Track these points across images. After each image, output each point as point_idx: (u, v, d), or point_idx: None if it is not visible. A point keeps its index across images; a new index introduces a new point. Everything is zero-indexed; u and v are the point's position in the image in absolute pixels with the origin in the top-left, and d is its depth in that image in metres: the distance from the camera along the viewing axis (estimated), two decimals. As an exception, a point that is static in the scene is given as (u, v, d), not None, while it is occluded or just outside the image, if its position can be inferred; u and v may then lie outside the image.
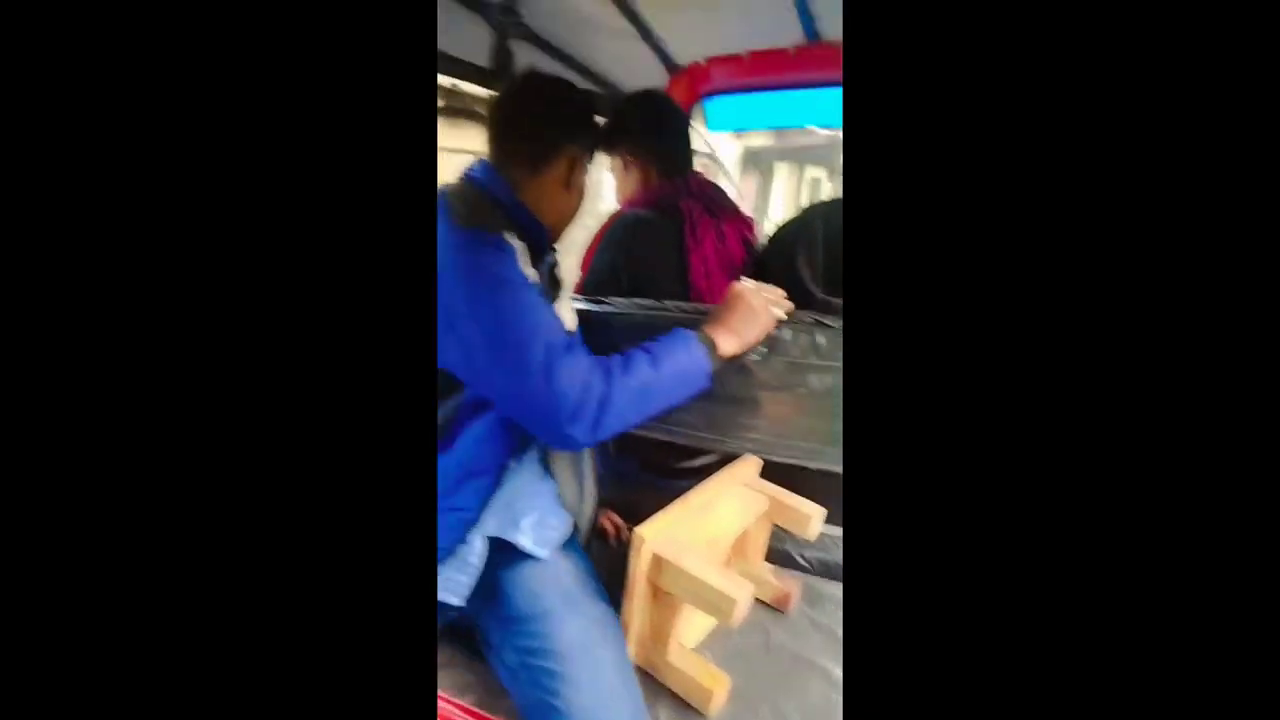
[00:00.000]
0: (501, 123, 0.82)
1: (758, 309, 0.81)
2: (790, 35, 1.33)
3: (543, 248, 0.82)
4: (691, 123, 1.40)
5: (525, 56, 1.41)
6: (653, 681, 0.76)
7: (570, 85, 0.85)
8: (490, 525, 0.76)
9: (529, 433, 0.77)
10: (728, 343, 0.79)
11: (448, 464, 0.74)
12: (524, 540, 0.76)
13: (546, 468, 0.83)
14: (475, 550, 0.74)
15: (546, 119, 0.81)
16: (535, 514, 0.79)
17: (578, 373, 0.68)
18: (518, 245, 0.73)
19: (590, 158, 0.86)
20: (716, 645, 0.83)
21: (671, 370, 0.74)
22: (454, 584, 0.73)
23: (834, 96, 1.48)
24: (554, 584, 0.75)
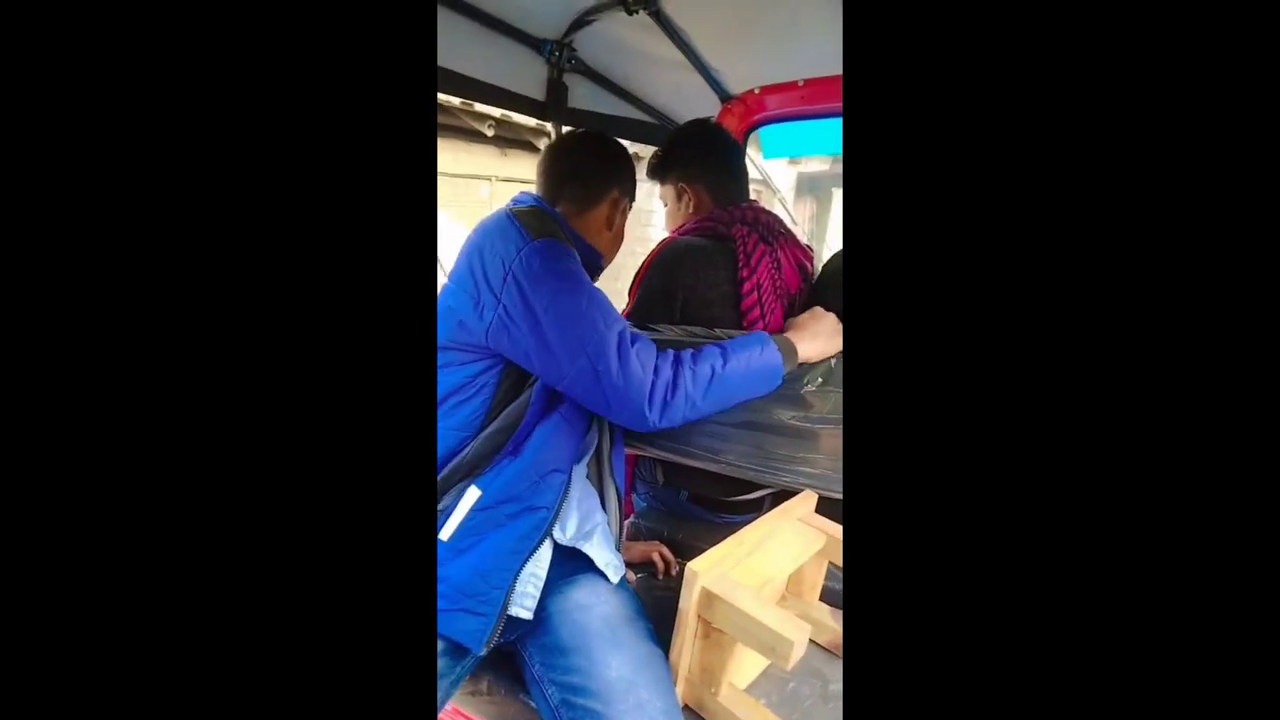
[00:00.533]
0: (553, 166, 0.93)
1: (836, 325, 0.88)
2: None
3: (594, 269, 0.90)
4: (746, 151, 1.40)
5: (579, 90, 1.45)
6: (703, 725, 0.73)
7: (615, 140, 1.00)
8: (560, 533, 0.80)
9: (582, 442, 0.84)
10: (807, 346, 0.85)
11: (524, 465, 0.77)
12: (597, 555, 0.81)
13: (594, 480, 0.90)
14: (544, 560, 0.77)
15: (594, 165, 0.94)
16: (599, 532, 0.84)
17: (649, 358, 0.75)
18: (578, 256, 0.80)
19: (630, 203, 0.98)
20: (771, 689, 0.79)
21: (744, 363, 0.80)
22: (524, 596, 0.75)
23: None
24: (600, 618, 0.73)
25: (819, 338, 0.85)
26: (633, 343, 0.75)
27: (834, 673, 0.82)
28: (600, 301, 0.76)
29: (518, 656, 0.76)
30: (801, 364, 0.84)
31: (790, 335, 0.84)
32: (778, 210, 1.20)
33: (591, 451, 0.89)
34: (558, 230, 0.81)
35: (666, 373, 0.75)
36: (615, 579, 0.81)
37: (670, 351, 0.78)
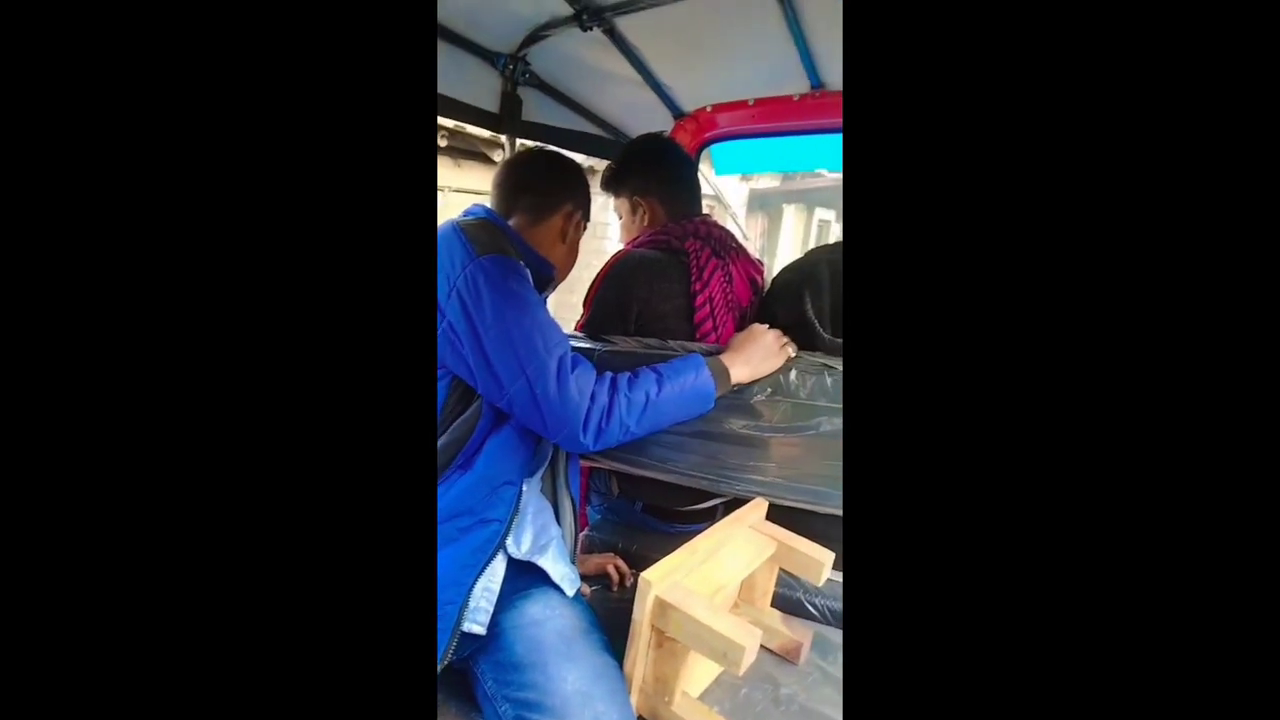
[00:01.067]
0: (508, 180, 0.94)
1: (771, 345, 0.88)
2: (795, 84, 1.36)
3: (546, 281, 0.90)
4: (698, 166, 1.43)
5: (533, 102, 1.46)
6: (657, 735, 0.73)
7: (568, 156, 1.02)
8: (514, 547, 0.80)
9: (534, 455, 0.84)
10: (739, 370, 0.85)
11: (475, 478, 0.77)
12: (551, 569, 0.81)
13: (549, 493, 0.90)
14: (497, 573, 0.77)
15: (548, 179, 0.95)
16: (554, 545, 0.84)
17: (586, 384, 0.76)
18: (528, 273, 0.81)
19: (584, 219, 0.99)
20: (724, 696, 0.80)
21: (677, 388, 0.81)
22: (477, 612, 0.74)
23: (839, 143, 1.51)
24: (555, 632, 0.73)
25: (752, 360, 0.86)
26: (573, 367, 0.76)
27: (785, 677, 0.84)
28: (543, 323, 0.76)
29: (470, 674, 0.75)
30: (735, 386, 0.85)
31: (725, 357, 0.86)
32: (729, 225, 1.23)
33: (545, 464, 0.89)
34: (507, 245, 0.81)
35: (602, 399, 0.77)
36: (571, 592, 0.81)
37: (608, 376, 0.79)
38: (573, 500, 0.92)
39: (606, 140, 1.65)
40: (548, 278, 0.90)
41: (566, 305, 1.00)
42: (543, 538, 0.83)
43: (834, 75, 1.32)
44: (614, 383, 0.79)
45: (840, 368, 0.86)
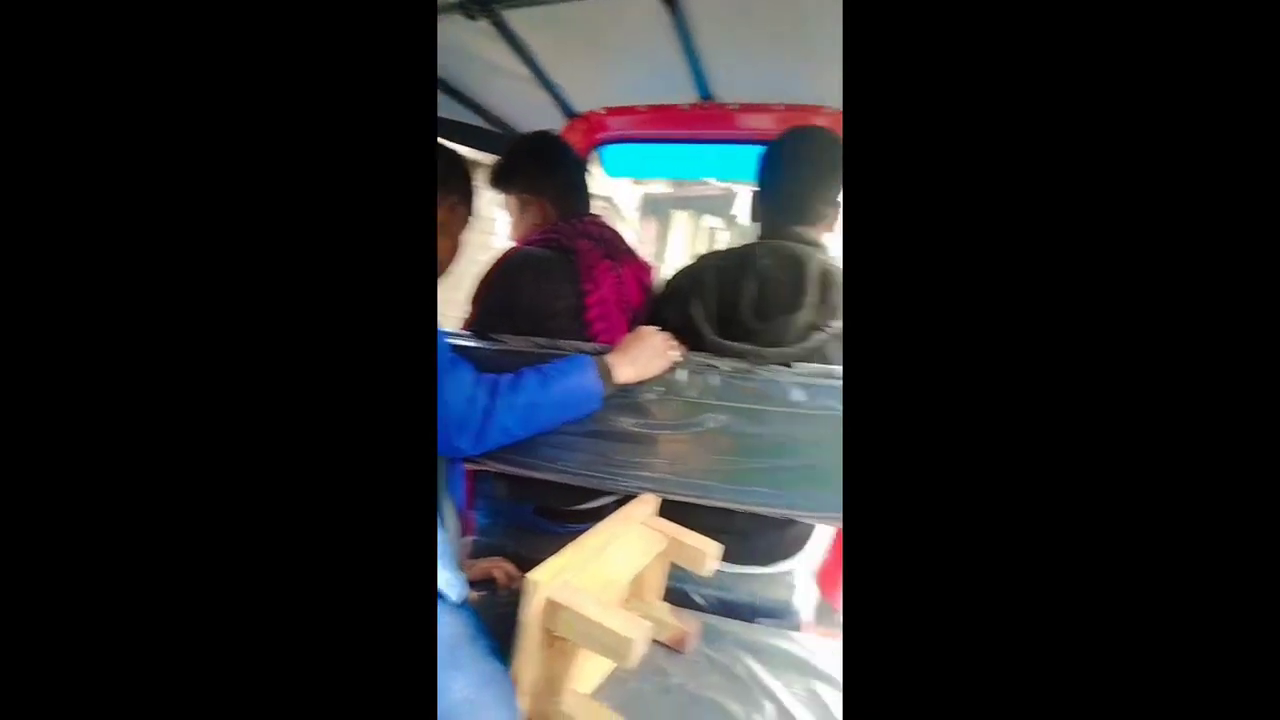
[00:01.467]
0: None
1: (658, 346, 0.88)
2: (684, 93, 1.40)
3: None
4: (588, 167, 1.44)
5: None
6: (547, 737, 0.72)
7: (449, 147, 0.97)
8: None
9: None
10: (624, 371, 0.85)
11: None
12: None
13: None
14: None
15: None
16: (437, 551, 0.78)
17: (463, 386, 0.74)
18: None
19: (467, 211, 0.95)
20: (614, 691, 0.81)
21: (561, 389, 0.80)
22: None
23: (727, 153, 1.57)
24: (440, 641, 0.70)
25: (638, 361, 0.87)
26: (450, 368, 0.74)
27: (673, 667, 0.86)
28: None
29: None
30: (621, 386, 0.86)
31: (611, 358, 0.85)
32: (621, 228, 1.25)
33: None
34: None
35: (481, 401, 0.75)
36: (456, 599, 0.78)
37: (488, 378, 0.77)
38: (455, 505, 0.89)
39: (493, 134, 1.61)
40: None
41: (452, 303, 0.96)
42: (445, 568, 0.79)
43: (723, 87, 1.37)
44: (495, 385, 0.77)
45: (724, 368, 0.89)
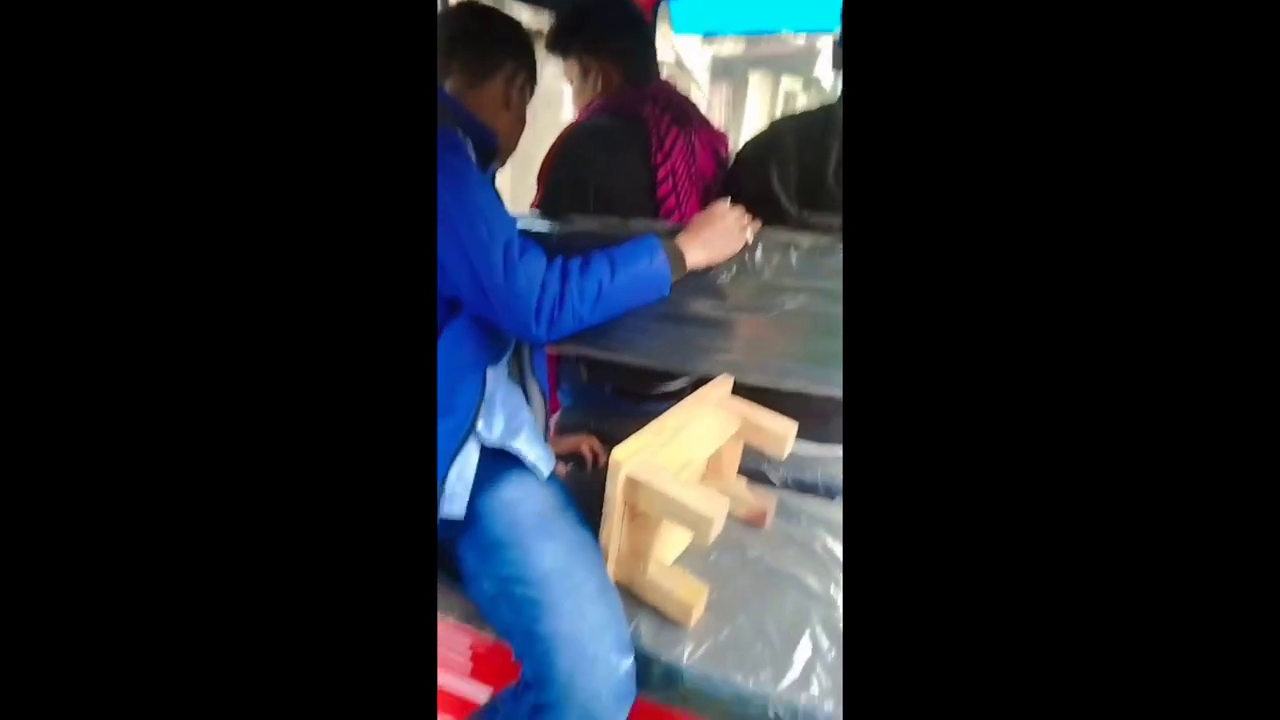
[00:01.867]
0: (439, 38, 0.84)
1: (731, 226, 0.84)
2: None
3: (490, 153, 0.84)
4: (655, 26, 1.31)
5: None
6: (634, 599, 0.78)
7: (504, 13, 0.90)
8: (486, 434, 0.80)
9: (494, 343, 0.82)
10: (696, 254, 0.82)
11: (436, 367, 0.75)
12: (525, 451, 0.80)
13: (517, 379, 0.90)
14: (471, 462, 0.77)
15: (483, 35, 0.86)
16: (526, 429, 0.83)
17: (536, 272, 0.73)
18: (469, 141, 0.76)
19: (529, 81, 0.90)
20: (695, 562, 0.85)
21: (629, 276, 0.78)
22: (453, 498, 0.75)
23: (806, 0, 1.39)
24: (532, 511, 0.75)
25: (710, 244, 0.82)
26: (521, 253, 0.72)
27: (752, 542, 0.89)
28: (484, 206, 0.72)
29: (451, 556, 0.78)
30: (691, 270, 0.82)
31: (682, 240, 0.81)
32: (692, 95, 1.15)
33: (509, 351, 0.87)
34: (442, 111, 0.74)
35: (554, 288, 0.74)
36: (545, 473, 0.83)
37: (559, 262, 0.76)
38: (540, 385, 0.92)
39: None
40: (492, 149, 0.84)
41: (523, 184, 0.93)
42: (514, 422, 0.83)
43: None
44: (565, 270, 0.75)
45: (805, 244, 0.83)
